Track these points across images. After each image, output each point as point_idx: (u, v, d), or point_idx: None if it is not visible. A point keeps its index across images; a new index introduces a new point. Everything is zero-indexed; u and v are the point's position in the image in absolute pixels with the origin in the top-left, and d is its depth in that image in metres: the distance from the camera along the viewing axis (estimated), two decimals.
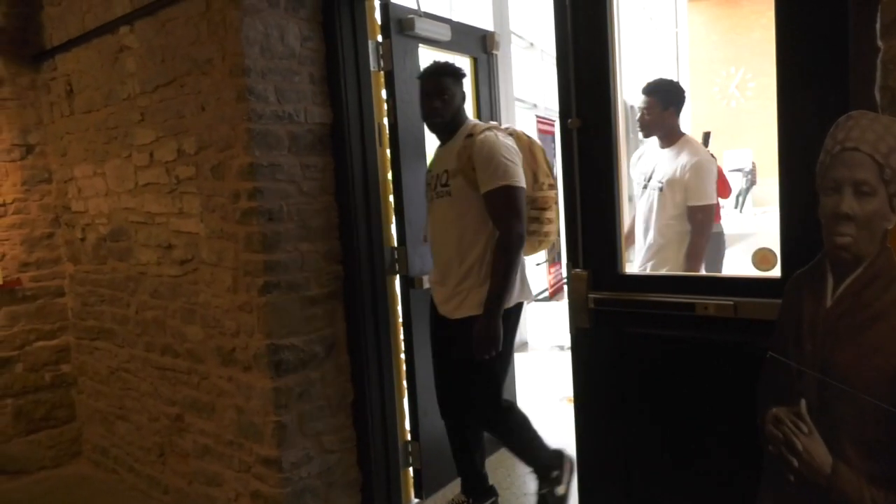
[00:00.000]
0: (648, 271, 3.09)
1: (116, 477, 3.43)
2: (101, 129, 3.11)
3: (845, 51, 1.50)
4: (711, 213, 3.13)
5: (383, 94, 2.76)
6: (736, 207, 14.98)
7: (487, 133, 2.42)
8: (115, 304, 3.25)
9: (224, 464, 2.74)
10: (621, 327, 2.01)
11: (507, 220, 2.33)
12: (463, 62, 3.25)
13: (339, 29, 2.58)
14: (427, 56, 2.99)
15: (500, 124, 3.00)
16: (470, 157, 2.37)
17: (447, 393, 2.63)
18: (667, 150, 3.16)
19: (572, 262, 2.09)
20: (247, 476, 2.63)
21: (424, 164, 2.92)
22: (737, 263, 6.34)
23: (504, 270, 2.32)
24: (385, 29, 2.69)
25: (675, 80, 3.25)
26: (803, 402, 1.21)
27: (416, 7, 2.79)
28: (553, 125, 7.39)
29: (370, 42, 2.68)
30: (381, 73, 2.73)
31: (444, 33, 2.95)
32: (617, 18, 1.97)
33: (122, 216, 3.09)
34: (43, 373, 3.56)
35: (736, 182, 13.86)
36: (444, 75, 2.46)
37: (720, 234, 5.77)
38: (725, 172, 5.95)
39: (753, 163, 14.95)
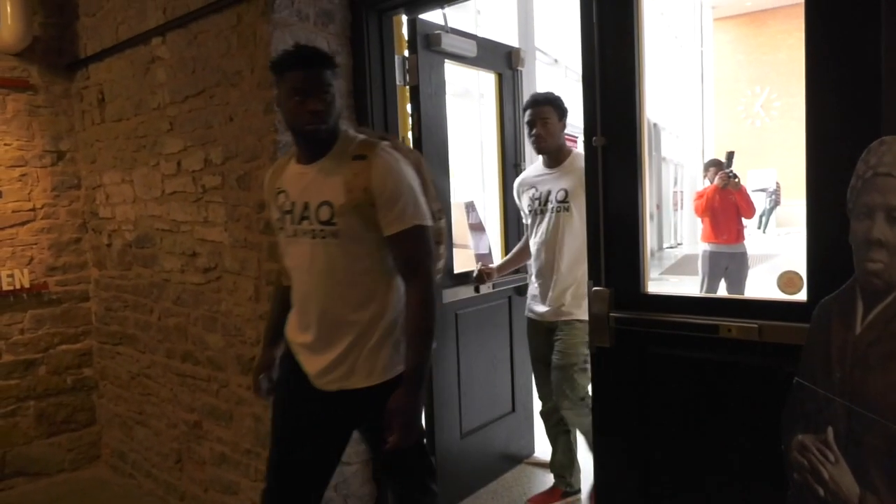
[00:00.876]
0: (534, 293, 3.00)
1: (134, 482, 3.46)
2: (131, 138, 3.17)
3: (878, 73, 1.49)
4: None
5: (408, 108, 2.78)
6: (759, 228, 14.83)
7: (385, 155, 1.81)
8: (139, 310, 3.29)
9: (240, 472, 2.75)
10: (643, 347, 1.99)
11: (422, 267, 1.82)
12: (488, 78, 3.28)
13: (366, 44, 2.61)
14: (453, 72, 3.01)
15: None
16: (367, 189, 1.77)
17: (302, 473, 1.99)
18: (557, 169, 2.91)
19: (594, 280, 2.08)
20: (262, 486, 2.63)
21: (448, 179, 2.93)
22: (760, 284, 6.27)
23: (427, 329, 1.80)
24: (412, 44, 2.72)
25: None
26: (830, 430, 1.19)
27: (443, 23, 2.81)
28: (575, 141, 7.38)
29: (397, 57, 2.71)
30: (407, 87, 2.76)
31: (470, 49, 2.97)
32: (644, 37, 1.98)
33: (148, 223, 3.14)
34: (65, 376, 3.61)
35: (760, 202, 13.73)
36: (324, 66, 1.81)
37: (743, 255, 5.72)
38: (749, 192, 5.91)
39: (777, 183, 14.80)
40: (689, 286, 8.25)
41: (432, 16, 2.82)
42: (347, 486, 2.67)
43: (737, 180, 5.58)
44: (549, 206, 2.88)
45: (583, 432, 2.89)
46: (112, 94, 3.27)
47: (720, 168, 5.64)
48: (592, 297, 2.07)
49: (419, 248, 1.80)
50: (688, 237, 15.40)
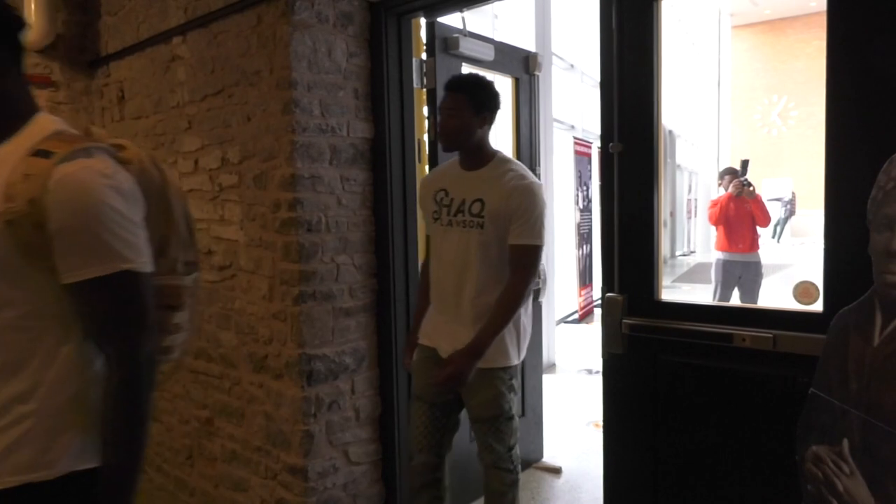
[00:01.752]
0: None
1: (145, 476, 3.48)
2: (149, 135, 3.20)
3: None
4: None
5: (425, 111, 2.79)
6: (774, 237, 14.73)
7: (78, 171, 1.11)
8: None
9: (251, 470, 2.76)
10: (656, 354, 1.99)
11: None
12: (504, 82, 3.28)
13: (385, 46, 2.62)
14: None
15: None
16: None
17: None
18: (475, 173, 2.29)
19: (607, 286, 2.08)
20: (272, 483, 2.65)
21: None
22: (774, 294, 6.24)
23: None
24: (430, 47, 2.73)
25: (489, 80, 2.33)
26: (846, 442, 1.18)
27: (461, 27, 2.82)
28: (590, 147, 7.37)
29: (414, 60, 2.72)
30: (424, 90, 2.77)
31: (488, 53, 2.98)
32: (661, 44, 1.98)
33: None
34: None
35: (775, 211, 13.64)
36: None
37: (757, 264, 5.69)
38: (764, 201, 5.88)
39: (793, 192, 14.70)
40: (702, 294, 8.21)
41: (450, 19, 2.83)
42: (356, 485, 2.68)
43: (751, 189, 5.55)
44: (461, 217, 2.26)
45: (495, 495, 2.34)
46: (132, 91, 3.30)
47: (735, 176, 5.61)
48: (606, 304, 2.07)
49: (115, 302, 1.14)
50: (701, 245, 15.32)
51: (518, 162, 2.35)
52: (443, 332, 2.35)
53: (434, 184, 2.41)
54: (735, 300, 5.56)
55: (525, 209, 2.17)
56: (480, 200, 2.23)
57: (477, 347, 2.17)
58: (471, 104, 2.20)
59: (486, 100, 2.23)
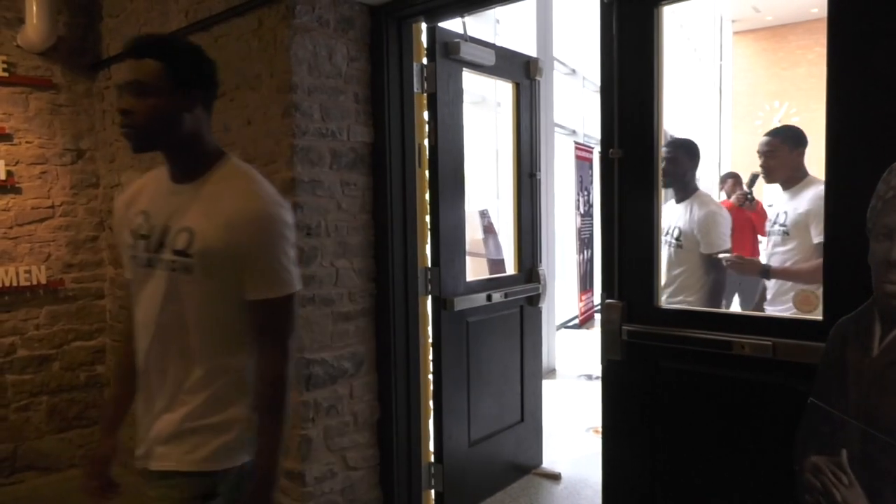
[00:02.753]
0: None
1: (142, 480, 3.47)
2: None
3: None
4: None
5: (425, 115, 2.78)
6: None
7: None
8: None
9: None
10: (655, 361, 1.98)
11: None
12: (504, 87, 3.28)
13: (385, 51, 2.62)
14: (470, 80, 3.02)
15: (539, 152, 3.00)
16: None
17: None
18: (190, 185, 1.45)
19: (607, 293, 2.08)
20: None
21: (462, 187, 2.93)
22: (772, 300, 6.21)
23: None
24: (430, 52, 2.73)
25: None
26: (844, 453, 1.17)
27: (461, 31, 2.82)
28: (591, 152, 7.36)
29: (415, 64, 2.72)
30: (424, 95, 2.77)
31: (489, 58, 2.97)
32: (662, 50, 1.97)
33: None
34: (79, 372, 3.64)
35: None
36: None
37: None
38: (765, 207, 5.89)
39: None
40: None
41: (451, 24, 2.83)
42: (354, 490, 2.67)
43: (753, 202, 5.61)
44: (162, 255, 1.42)
45: None
46: None
47: (737, 181, 5.64)
48: (605, 310, 2.06)
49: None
50: None
51: (249, 167, 1.48)
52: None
53: (132, 203, 1.56)
54: (735, 307, 5.55)
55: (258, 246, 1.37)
56: (189, 230, 1.39)
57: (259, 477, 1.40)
58: (169, 76, 1.39)
59: (191, 69, 1.43)
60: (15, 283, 3.37)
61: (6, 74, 3.32)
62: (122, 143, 3.41)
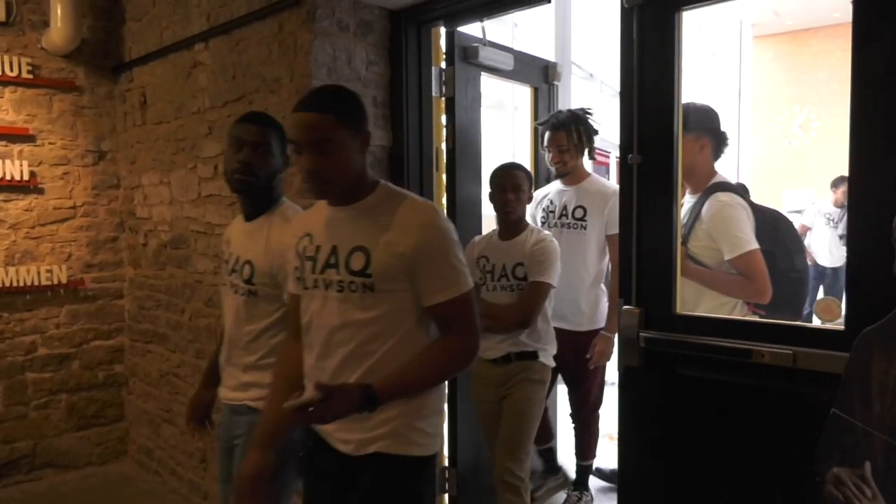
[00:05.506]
0: None
1: (159, 479, 3.50)
2: (170, 140, 3.23)
3: None
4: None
5: (443, 119, 2.79)
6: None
7: None
8: (171, 310, 3.34)
9: None
10: (673, 368, 1.96)
11: None
12: (522, 91, 3.28)
13: (404, 54, 2.63)
14: (488, 84, 3.01)
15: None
16: None
17: None
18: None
19: (625, 299, 2.06)
20: None
21: (480, 189, 2.93)
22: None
23: None
24: (449, 56, 2.73)
25: None
26: (868, 465, 1.16)
27: (480, 36, 2.82)
28: (608, 157, 7.32)
29: (434, 68, 2.72)
30: (443, 99, 2.77)
31: (507, 62, 2.97)
32: (682, 54, 1.96)
33: (183, 225, 3.19)
34: (97, 371, 3.68)
35: (796, 223, 13.44)
36: None
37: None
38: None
39: (813, 204, 14.49)
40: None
41: (470, 28, 2.83)
42: None
43: None
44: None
45: None
46: (154, 97, 3.34)
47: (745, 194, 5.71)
48: (623, 316, 2.04)
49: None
50: None
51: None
52: None
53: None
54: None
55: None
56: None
57: None
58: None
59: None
60: (36, 283, 3.42)
61: (31, 76, 3.38)
62: (143, 146, 3.45)
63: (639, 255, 2.02)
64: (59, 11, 3.29)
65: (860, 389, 1.22)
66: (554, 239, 2.57)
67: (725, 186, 2.46)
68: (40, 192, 3.46)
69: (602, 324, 2.96)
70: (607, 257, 3.01)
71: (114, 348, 3.73)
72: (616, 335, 2.69)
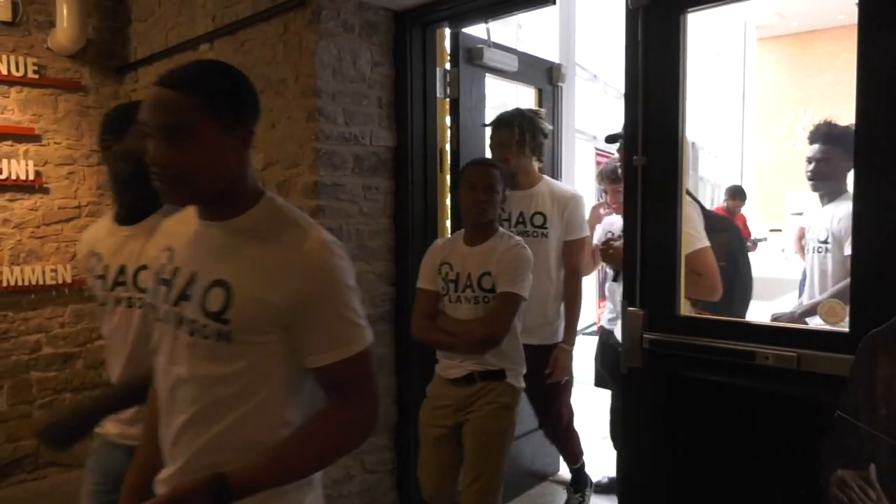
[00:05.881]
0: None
1: None
2: None
3: None
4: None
5: (447, 120, 2.79)
6: (795, 252, 14.50)
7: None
8: None
9: None
10: (676, 370, 1.96)
11: None
12: (526, 92, 3.28)
13: (409, 56, 2.64)
14: (491, 85, 3.02)
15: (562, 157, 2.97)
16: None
17: None
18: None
19: (628, 300, 2.06)
20: None
21: None
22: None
23: None
24: (454, 57, 2.74)
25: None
26: (873, 468, 1.15)
27: (485, 37, 2.82)
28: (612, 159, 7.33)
29: (438, 69, 2.73)
30: (447, 100, 2.77)
31: (512, 64, 2.98)
32: (687, 56, 1.96)
33: None
34: (101, 370, 3.68)
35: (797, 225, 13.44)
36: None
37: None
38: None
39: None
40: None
41: (475, 30, 2.84)
42: (371, 494, 2.68)
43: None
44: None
45: None
46: None
47: (741, 196, 5.90)
48: (627, 318, 2.04)
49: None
50: None
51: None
52: None
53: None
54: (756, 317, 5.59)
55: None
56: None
57: None
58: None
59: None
60: (41, 282, 3.43)
61: (36, 76, 3.39)
62: None
63: (643, 256, 2.02)
64: (64, 12, 3.30)
65: (865, 392, 1.22)
66: (527, 246, 2.24)
67: None
68: (45, 191, 3.46)
69: (561, 337, 2.81)
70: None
71: None
72: (573, 348, 2.80)
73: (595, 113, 7.73)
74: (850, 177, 2.68)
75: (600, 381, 3.26)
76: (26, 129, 3.39)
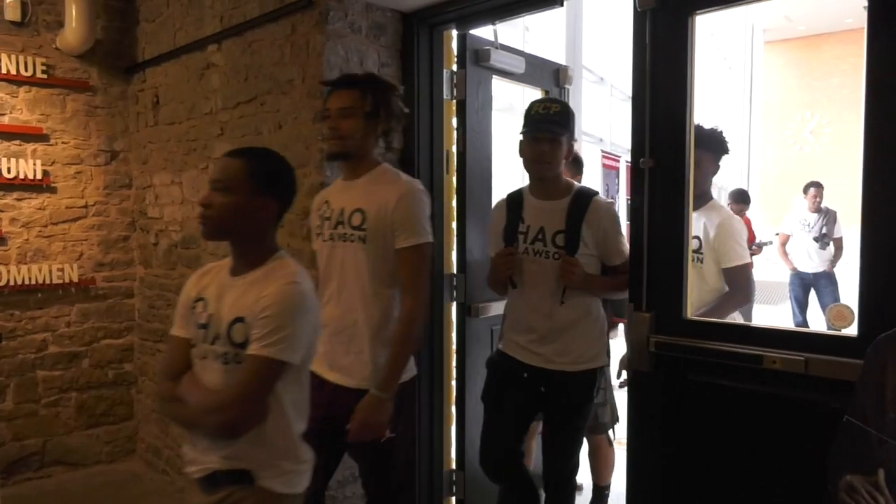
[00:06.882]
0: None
1: (167, 478, 3.51)
2: (182, 141, 3.25)
3: None
4: None
5: (454, 122, 2.79)
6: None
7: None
8: None
9: None
10: (682, 374, 1.96)
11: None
12: (533, 94, 3.27)
13: (416, 57, 2.64)
14: (498, 86, 3.02)
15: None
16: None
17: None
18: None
19: (635, 303, 2.05)
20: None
21: (489, 193, 2.93)
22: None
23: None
24: (461, 59, 2.73)
25: None
26: (881, 472, 1.15)
27: (492, 39, 2.82)
28: (618, 161, 7.32)
29: (445, 71, 2.73)
30: (454, 101, 2.77)
31: (519, 66, 2.97)
32: (695, 59, 1.95)
33: (194, 225, 3.21)
34: (107, 370, 3.70)
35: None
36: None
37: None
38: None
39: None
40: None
41: (482, 31, 2.83)
42: None
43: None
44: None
45: None
46: (166, 97, 3.36)
47: (745, 200, 5.89)
48: (633, 321, 2.04)
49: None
50: None
51: None
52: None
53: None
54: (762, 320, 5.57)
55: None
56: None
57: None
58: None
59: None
60: (48, 281, 3.44)
61: (45, 76, 3.41)
62: (155, 146, 3.48)
63: (650, 258, 2.01)
64: (73, 12, 3.32)
65: (874, 397, 1.21)
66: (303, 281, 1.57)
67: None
68: (53, 191, 3.48)
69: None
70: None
71: (124, 347, 3.75)
72: (391, 398, 1.90)
73: (601, 115, 7.72)
74: (715, 181, 2.67)
75: None
76: (34, 129, 3.41)
